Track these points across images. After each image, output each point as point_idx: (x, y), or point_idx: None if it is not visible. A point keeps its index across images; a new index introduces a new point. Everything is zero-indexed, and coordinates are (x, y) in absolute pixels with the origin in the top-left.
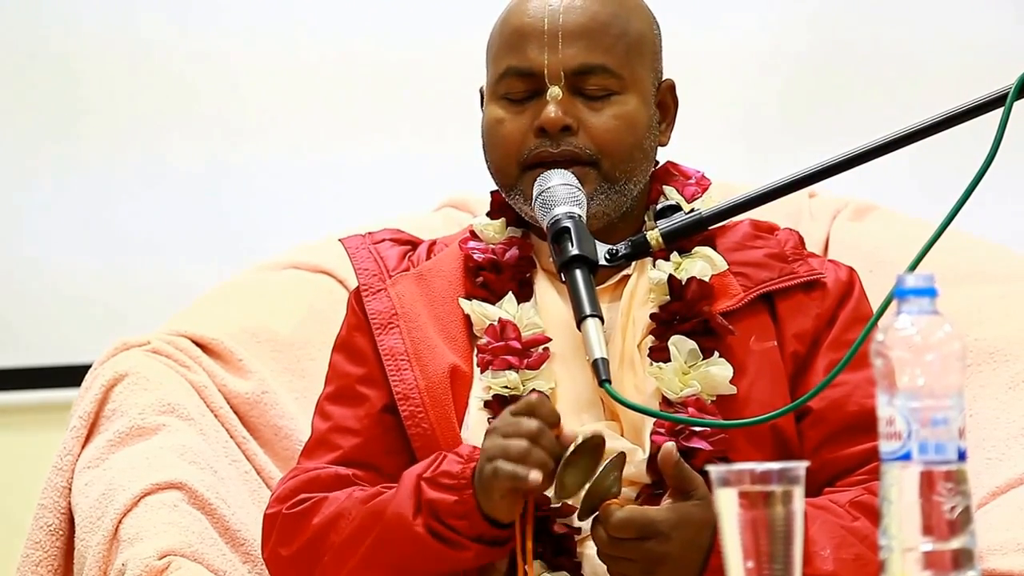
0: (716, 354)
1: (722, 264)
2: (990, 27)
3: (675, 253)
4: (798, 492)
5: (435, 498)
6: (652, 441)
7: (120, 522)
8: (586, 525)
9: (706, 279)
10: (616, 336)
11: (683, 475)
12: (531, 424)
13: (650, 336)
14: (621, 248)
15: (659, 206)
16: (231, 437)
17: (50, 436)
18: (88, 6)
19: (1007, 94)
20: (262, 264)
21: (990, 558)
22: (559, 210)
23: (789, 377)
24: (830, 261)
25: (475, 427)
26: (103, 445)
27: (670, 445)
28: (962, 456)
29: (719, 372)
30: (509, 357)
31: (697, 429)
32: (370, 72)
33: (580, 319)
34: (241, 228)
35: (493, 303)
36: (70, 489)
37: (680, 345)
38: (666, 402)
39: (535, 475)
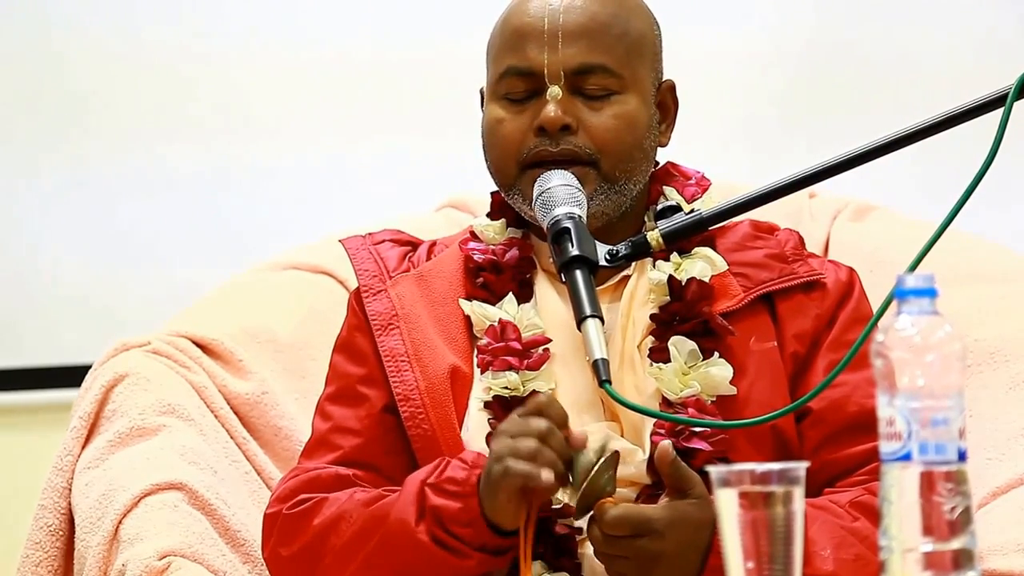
0: (716, 355)
1: (722, 264)
2: (990, 28)
3: (675, 254)
4: (798, 493)
5: (439, 505)
6: (652, 442)
7: (120, 522)
8: (585, 525)
9: (706, 280)
10: (616, 337)
11: (679, 474)
12: (540, 424)
13: (650, 337)
14: (621, 249)
15: (659, 207)
16: (231, 438)
17: (50, 436)
18: (89, 8)
19: (1007, 94)
20: (262, 265)
21: (990, 558)
22: (559, 211)
23: (789, 377)
24: (830, 261)
25: (475, 428)
26: (103, 445)
27: (666, 444)
28: (962, 456)
29: (719, 373)
30: (509, 358)
31: (697, 430)
32: (370, 73)
33: (580, 320)
34: (242, 229)
35: (493, 304)
36: (70, 489)
37: (680, 346)
38: (666, 402)
39: (547, 474)
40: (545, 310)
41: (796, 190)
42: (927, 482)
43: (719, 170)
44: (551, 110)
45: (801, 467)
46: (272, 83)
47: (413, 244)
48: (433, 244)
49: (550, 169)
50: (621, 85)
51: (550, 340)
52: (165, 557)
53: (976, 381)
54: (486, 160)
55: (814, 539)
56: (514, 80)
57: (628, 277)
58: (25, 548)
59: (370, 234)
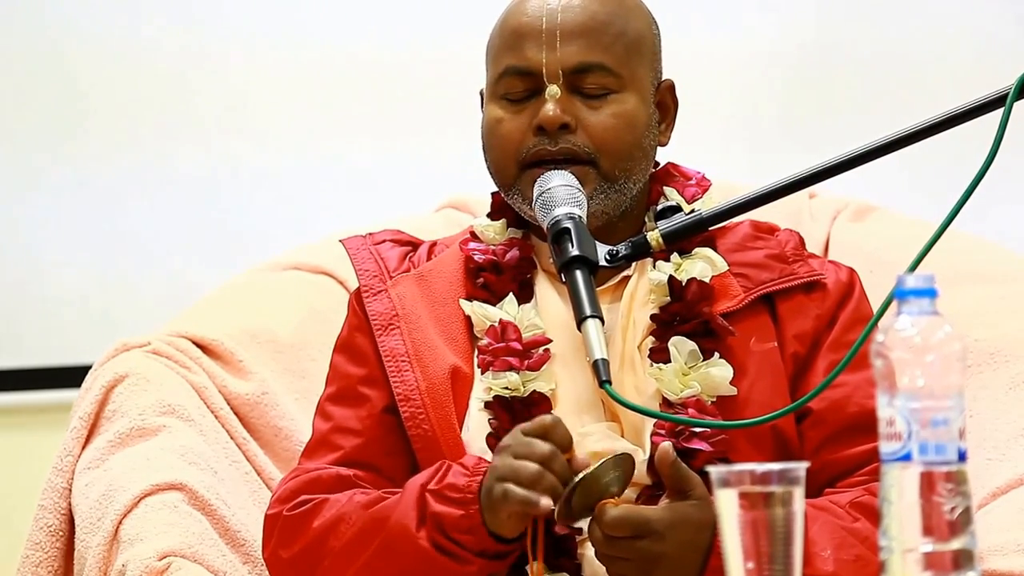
0: (716, 355)
1: (722, 265)
2: (990, 28)
3: (675, 254)
4: (798, 493)
5: (440, 511)
6: (652, 442)
7: (120, 523)
8: (586, 527)
9: (706, 280)
10: (616, 337)
11: (680, 475)
12: (544, 448)
13: (650, 337)
14: (621, 249)
15: (659, 207)
16: (231, 438)
17: (50, 437)
18: (90, 10)
19: (1007, 95)
20: (262, 265)
21: (990, 559)
22: (559, 211)
23: (789, 378)
24: (830, 262)
25: (476, 428)
26: (103, 446)
27: (667, 445)
28: (962, 457)
29: (719, 373)
30: (510, 358)
31: (697, 430)
32: (370, 74)
33: (580, 320)
34: (242, 230)
35: (494, 304)
36: (70, 490)
37: (680, 346)
38: (666, 403)
39: (546, 502)
40: (545, 310)
41: (796, 190)
42: (927, 482)
43: (719, 170)
44: (550, 109)
45: (801, 467)
46: (272, 84)
47: (413, 244)
48: (433, 244)
49: (549, 168)
50: (620, 84)
51: (550, 340)
52: (165, 557)
53: (976, 381)
54: (486, 160)
55: (814, 539)
56: (513, 80)
57: (628, 277)
58: (25, 548)
59: (370, 234)
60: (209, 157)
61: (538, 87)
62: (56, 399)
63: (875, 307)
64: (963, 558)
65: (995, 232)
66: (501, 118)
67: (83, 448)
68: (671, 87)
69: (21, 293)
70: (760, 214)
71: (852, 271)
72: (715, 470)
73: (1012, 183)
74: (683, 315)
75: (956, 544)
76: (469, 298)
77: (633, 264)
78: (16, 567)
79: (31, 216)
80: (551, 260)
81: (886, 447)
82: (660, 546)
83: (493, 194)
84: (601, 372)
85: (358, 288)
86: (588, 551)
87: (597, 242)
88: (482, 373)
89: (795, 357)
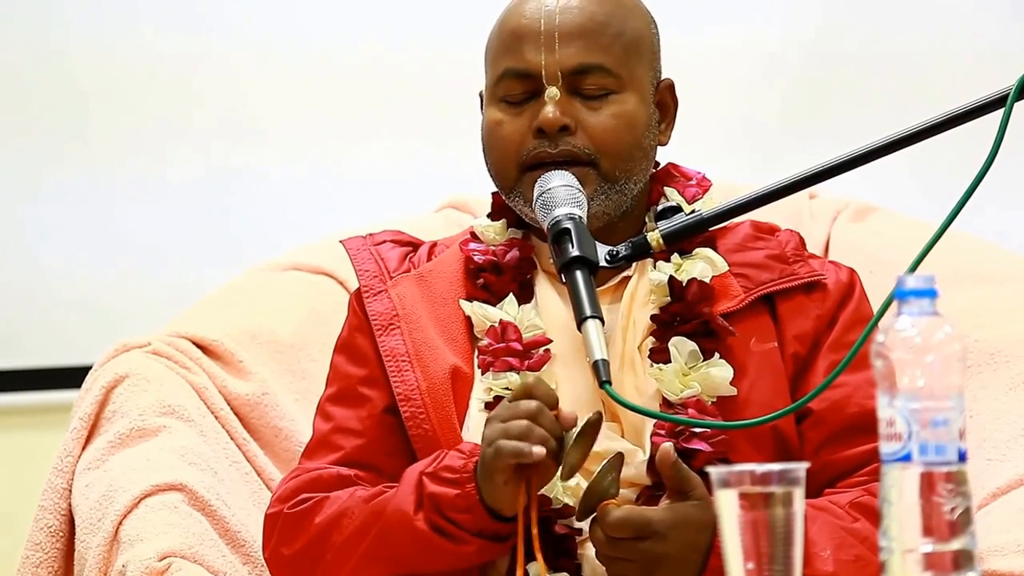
0: (716, 355)
1: (723, 265)
2: (991, 30)
3: (675, 254)
4: (798, 493)
5: (437, 492)
6: (652, 442)
7: (120, 523)
8: (586, 526)
9: (706, 280)
10: (616, 337)
11: (680, 475)
12: (529, 404)
13: (650, 337)
14: (622, 249)
15: (660, 207)
16: (231, 438)
17: (50, 437)
18: (92, 13)
19: (1007, 95)
20: (262, 265)
21: (990, 559)
22: (560, 211)
23: (790, 378)
24: (831, 262)
25: (476, 428)
26: (103, 446)
27: (667, 446)
28: (962, 457)
29: (719, 373)
30: (510, 359)
31: (697, 430)
32: (371, 76)
33: (580, 320)
34: (243, 231)
35: (494, 304)
36: (70, 490)
37: (680, 346)
38: (666, 403)
39: (538, 449)
40: (545, 311)
41: (797, 191)
42: (927, 483)
43: (720, 171)
44: (549, 111)
45: (801, 468)
46: (273, 86)
47: (414, 245)
48: (434, 245)
49: (550, 170)
50: (619, 85)
51: (551, 341)
52: (165, 558)
53: (976, 382)
54: (486, 163)
55: (814, 540)
56: (512, 82)
57: (628, 278)
58: (25, 549)
59: (371, 235)
60: (210, 159)
61: (537, 89)
62: (56, 399)
63: (875, 307)
64: (963, 558)
65: (995, 232)
66: (501, 121)
67: (83, 449)
68: (671, 86)
69: (21, 294)
70: (761, 214)
71: (852, 271)
72: (715, 471)
73: (1013, 184)
74: (683, 315)
75: (956, 544)
76: (469, 298)
77: (633, 264)
78: (16, 567)
79: (32, 217)
80: (551, 260)
81: (886, 447)
82: (662, 547)
83: (493, 194)
84: (601, 372)
85: (358, 288)
86: (588, 551)
87: (597, 242)
88: (482, 373)
89: (795, 357)
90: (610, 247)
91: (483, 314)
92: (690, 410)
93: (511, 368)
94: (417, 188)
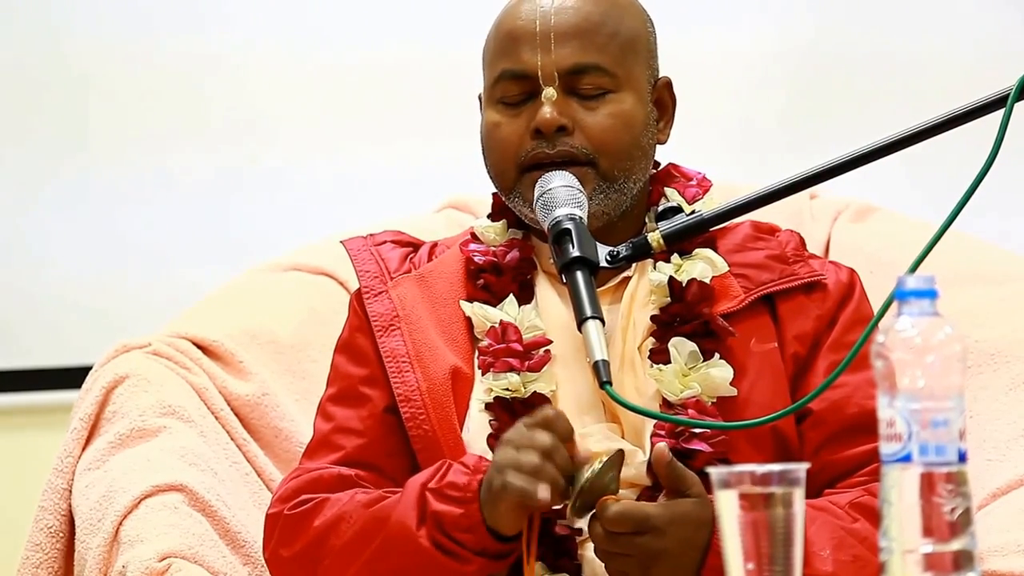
0: (716, 356)
1: (723, 266)
2: (991, 31)
3: (675, 255)
4: (798, 494)
5: (441, 510)
6: (652, 443)
7: (120, 524)
8: (587, 528)
9: (707, 281)
10: (616, 338)
11: (676, 475)
12: (545, 439)
13: (650, 338)
14: (622, 250)
15: (660, 208)
16: (232, 439)
17: (50, 438)
18: (94, 13)
19: (1008, 96)
20: (263, 266)
21: (990, 559)
22: (560, 212)
23: (790, 379)
24: (831, 262)
25: (476, 429)
26: (103, 447)
27: (662, 446)
28: (962, 458)
29: (719, 374)
30: (510, 359)
31: (697, 431)
32: (372, 76)
33: (581, 321)
34: (244, 232)
35: (494, 305)
36: (70, 491)
37: (680, 347)
38: (666, 404)
39: (544, 492)
40: (546, 311)
41: (797, 191)
42: (927, 483)
43: (720, 172)
44: (546, 112)
45: (801, 468)
46: (273, 87)
47: (414, 245)
48: (434, 245)
49: (549, 171)
50: (616, 84)
51: (551, 341)
52: (165, 559)
53: (976, 382)
54: (486, 165)
55: (813, 540)
56: (509, 83)
57: (628, 278)
58: (25, 550)
59: (371, 235)
60: (210, 160)
61: (534, 90)
62: (56, 400)
63: (876, 308)
64: (963, 559)
65: (995, 233)
66: (499, 122)
67: (83, 449)
68: (668, 84)
69: (22, 294)
70: (761, 215)
71: (852, 272)
72: (715, 471)
73: (1013, 184)
74: (683, 316)
75: (956, 545)
76: (469, 299)
77: (633, 265)
78: (16, 568)
79: (33, 217)
80: (551, 261)
81: (886, 448)
82: (660, 542)
83: (494, 195)
84: (601, 373)
85: (359, 289)
86: (588, 552)
87: (597, 243)
88: (483, 374)
89: (795, 358)
90: (610, 247)
91: (483, 315)
92: (690, 411)
93: (511, 369)
94: (418, 188)
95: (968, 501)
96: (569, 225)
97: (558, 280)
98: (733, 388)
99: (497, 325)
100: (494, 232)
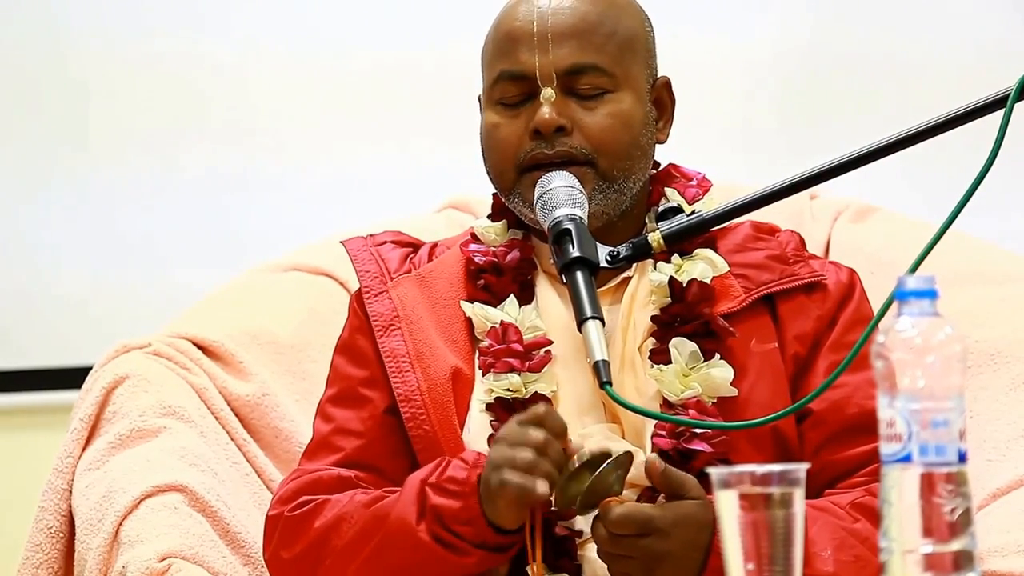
0: (717, 356)
1: (723, 266)
2: (991, 33)
3: (676, 255)
4: (798, 494)
5: (440, 504)
6: (653, 443)
7: (120, 524)
8: (588, 528)
9: (707, 281)
10: (617, 338)
11: (672, 481)
12: (538, 435)
13: (651, 338)
14: (622, 250)
15: (661, 208)
16: (232, 439)
17: (50, 438)
18: (94, 14)
19: (1007, 96)
20: (263, 266)
21: (990, 560)
22: (560, 212)
23: (790, 379)
24: (831, 263)
25: (477, 429)
26: (103, 447)
27: (653, 456)
28: (962, 458)
29: (719, 374)
30: (511, 360)
31: (697, 431)
32: (372, 76)
33: (581, 321)
34: (244, 233)
35: (494, 306)
36: (70, 491)
37: (680, 347)
38: (667, 404)
39: (542, 487)
40: (546, 312)
41: (797, 191)
42: (927, 483)
43: (719, 172)
44: (545, 112)
45: (801, 469)
46: (274, 87)
47: (414, 246)
48: (434, 246)
49: (548, 171)
50: (614, 84)
51: (551, 342)
52: (165, 559)
53: (976, 382)
54: (485, 166)
55: (814, 540)
56: (507, 84)
57: (629, 279)
58: (25, 550)
59: (371, 235)
60: (210, 160)
61: (533, 91)
62: (56, 400)
63: (876, 308)
64: (963, 559)
65: (996, 233)
66: (498, 123)
67: (83, 449)
68: (667, 83)
69: (22, 294)
70: (762, 215)
71: (852, 272)
72: (716, 471)
73: (1013, 184)
74: (684, 316)
75: (956, 545)
76: (470, 300)
77: (633, 265)
78: (16, 568)
79: (33, 218)
80: (551, 261)
81: (886, 448)
82: (664, 544)
83: (494, 195)
84: (602, 373)
85: (359, 289)
86: (588, 552)
87: (598, 243)
88: (483, 375)
89: (796, 358)
90: (611, 248)
91: (484, 315)
92: (690, 411)
93: (512, 369)
94: (418, 188)
95: (968, 501)
96: (569, 225)
97: (558, 280)
98: (733, 388)
99: (498, 325)
100: (494, 232)
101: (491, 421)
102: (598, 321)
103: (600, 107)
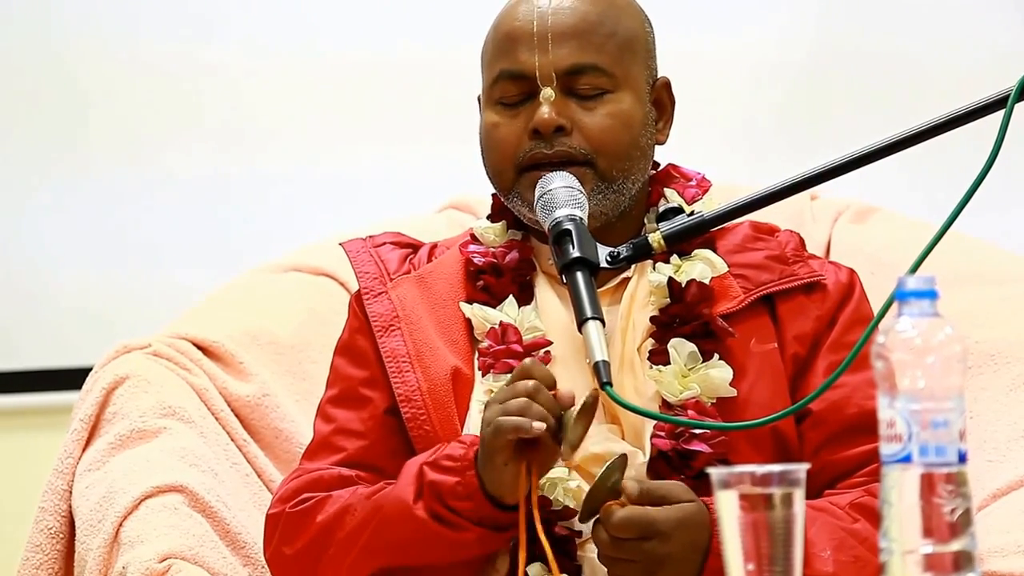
0: (716, 356)
1: (722, 266)
2: (991, 35)
3: (675, 256)
4: (798, 494)
5: (437, 480)
6: (652, 444)
7: (121, 525)
8: (587, 529)
9: (706, 281)
10: (616, 339)
11: (655, 496)
12: (527, 383)
13: (650, 339)
14: (623, 250)
15: (661, 208)
16: (232, 440)
17: (51, 439)
18: (92, 14)
19: (1008, 96)
20: (263, 266)
21: (990, 560)
22: (560, 212)
23: (789, 379)
24: (831, 263)
25: (476, 430)
26: (104, 448)
27: (629, 483)
28: (962, 458)
29: (719, 375)
30: (510, 360)
31: (697, 432)
32: (372, 76)
33: (582, 321)
34: (244, 234)
35: (494, 306)
36: (70, 492)
37: (679, 348)
38: (666, 405)
39: (538, 424)
40: (545, 312)
41: (797, 192)
42: (927, 484)
43: (719, 173)
44: (544, 112)
45: (801, 469)
46: (274, 88)
47: (414, 246)
48: (434, 246)
49: (546, 171)
50: (614, 84)
51: (551, 343)
52: (165, 560)
53: (976, 383)
54: (484, 165)
55: (813, 540)
56: (507, 84)
57: (628, 279)
58: (25, 551)
59: (371, 236)
60: (210, 161)
61: (532, 90)
62: (57, 401)
63: (876, 308)
64: (963, 559)
65: (996, 233)
66: (497, 123)
67: (83, 450)
68: (667, 84)
69: (22, 295)
70: (762, 216)
71: (852, 272)
72: (716, 472)
73: (1013, 185)
74: (683, 317)
75: (956, 546)
76: (469, 300)
77: (633, 266)
78: (16, 569)
79: (33, 218)
80: (551, 262)
81: (886, 449)
82: (665, 547)
83: (493, 196)
84: (602, 374)
85: (359, 290)
86: (588, 553)
87: (598, 243)
88: (483, 375)
89: (795, 358)
90: (611, 248)
91: (483, 316)
92: (690, 411)
93: (511, 370)
94: (419, 189)
95: (968, 502)
96: (569, 226)
97: (558, 281)
98: (733, 389)
99: (497, 326)
100: (493, 233)
101: None
102: (598, 322)
103: (599, 107)
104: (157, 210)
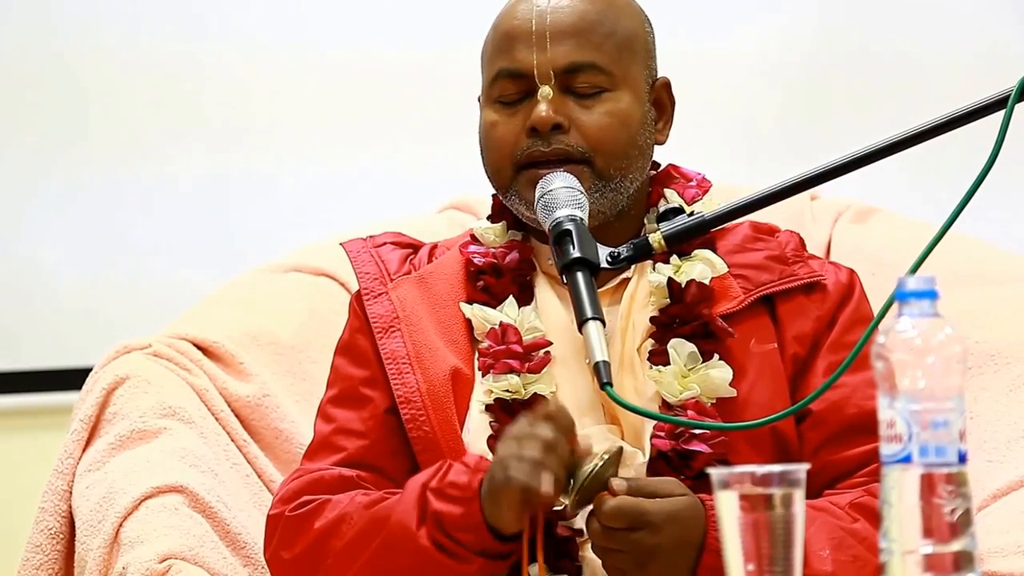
0: (716, 357)
1: (722, 267)
2: (991, 35)
3: (675, 256)
4: (798, 495)
5: (441, 510)
6: (652, 444)
7: (121, 525)
8: (584, 523)
9: (706, 282)
10: (616, 339)
11: (646, 490)
12: (547, 432)
13: (650, 339)
14: (623, 251)
15: (661, 209)
16: (232, 440)
17: (51, 439)
18: (93, 14)
19: (1008, 97)
20: (263, 267)
21: (990, 560)
22: (560, 212)
23: (789, 379)
24: (830, 263)
25: (476, 430)
26: (104, 448)
27: (617, 482)
28: (963, 459)
29: (718, 375)
30: (510, 361)
31: (697, 432)
32: (373, 76)
33: (582, 322)
34: (244, 234)
35: (494, 307)
36: (71, 492)
37: (679, 348)
38: (666, 405)
39: (547, 486)
40: (545, 313)
41: (797, 192)
42: (927, 484)
43: (719, 173)
44: (542, 110)
45: (801, 469)
46: (274, 88)
47: (414, 247)
48: (434, 247)
49: (544, 170)
50: (612, 83)
51: (551, 343)
52: (165, 560)
53: (976, 383)
54: (483, 164)
55: (813, 540)
56: (506, 83)
57: (627, 280)
58: (25, 551)
59: (371, 237)
60: (211, 161)
61: (531, 89)
62: (57, 402)
63: (876, 309)
64: (963, 560)
65: (996, 233)
66: (496, 121)
67: (83, 450)
68: (667, 84)
69: (22, 295)
70: (762, 216)
71: (852, 272)
72: (716, 472)
73: (1013, 185)
74: (683, 317)
75: (956, 546)
76: (469, 301)
77: (633, 266)
78: (16, 570)
79: (33, 219)
80: (551, 262)
81: (886, 449)
82: (655, 538)
83: (493, 196)
84: (602, 374)
85: (359, 290)
86: (589, 553)
87: (598, 244)
88: (483, 376)
89: (795, 358)
90: (611, 248)
91: (483, 316)
92: (689, 412)
93: (511, 370)
94: (419, 189)
95: (968, 502)
96: (570, 226)
97: (558, 281)
98: (732, 389)
99: (497, 327)
100: (493, 233)
101: (491, 422)
102: (599, 322)
103: (598, 106)
104: (157, 210)
